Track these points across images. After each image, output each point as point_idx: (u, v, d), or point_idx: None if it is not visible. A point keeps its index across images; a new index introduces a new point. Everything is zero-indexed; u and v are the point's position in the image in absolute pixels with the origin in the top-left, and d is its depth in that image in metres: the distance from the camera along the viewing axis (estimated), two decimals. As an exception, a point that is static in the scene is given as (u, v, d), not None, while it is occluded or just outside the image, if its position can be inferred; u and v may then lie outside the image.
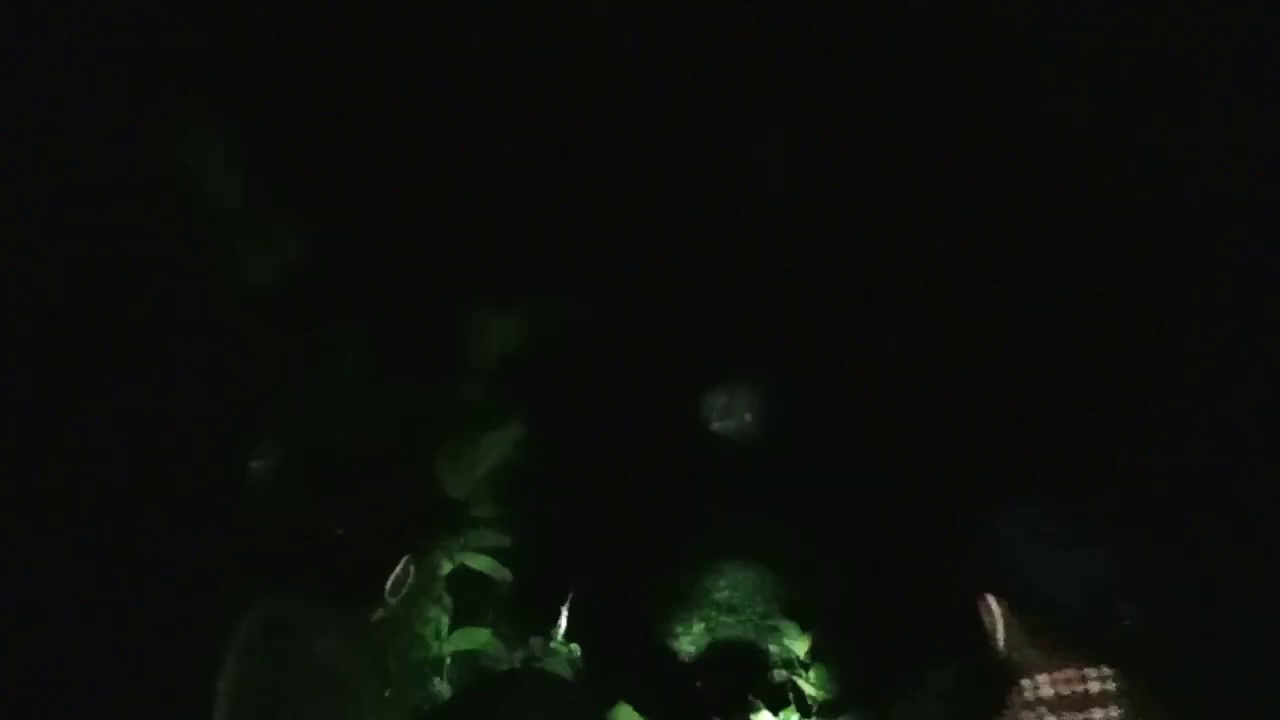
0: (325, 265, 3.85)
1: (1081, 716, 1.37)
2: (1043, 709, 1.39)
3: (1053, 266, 4.26)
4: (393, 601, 2.44)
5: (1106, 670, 1.39)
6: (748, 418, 4.14)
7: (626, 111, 4.15)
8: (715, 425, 4.16)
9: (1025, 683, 1.42)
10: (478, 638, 3.82)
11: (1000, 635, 1.46)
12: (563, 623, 4.00)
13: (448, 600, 3.85)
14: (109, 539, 3.41)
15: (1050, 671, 1.40)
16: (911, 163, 4.22)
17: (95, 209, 3.64)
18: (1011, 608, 1.44)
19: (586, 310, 4.07)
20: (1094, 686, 1.39)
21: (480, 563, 3.82)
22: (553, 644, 3.97)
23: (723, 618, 4.21)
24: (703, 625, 4.22)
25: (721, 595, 4.23)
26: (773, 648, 4.15)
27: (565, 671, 3.86)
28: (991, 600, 1.47)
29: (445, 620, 3.81)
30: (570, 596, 4.02)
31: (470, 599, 3.87)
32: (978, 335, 4.16)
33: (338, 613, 2.47)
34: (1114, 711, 1.37)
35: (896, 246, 4.26)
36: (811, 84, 4.26)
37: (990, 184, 4.22)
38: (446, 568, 3.79)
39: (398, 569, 2.41)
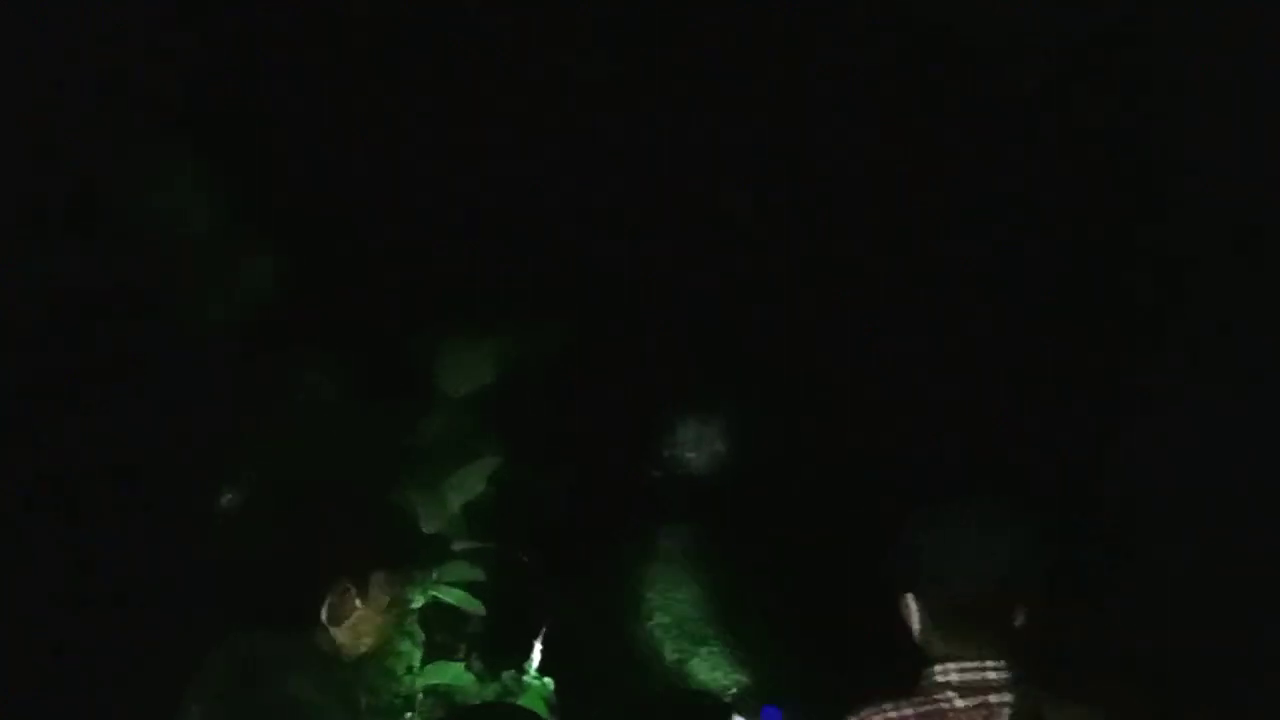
0: (299, 294, 3.85)
1: (980, 699, 1.63)
2: (950, 691, 1.65)
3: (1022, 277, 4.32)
4: (338, 632, 2.40)
5: (1002, 663, 1.66)
6: (718, 448, 4.14)
7: (598, 141, 4.18)
8: (686, 456, 4.16)
9: (936, 668, 1.68)
10: (450, 672, 3.80)
11: (916, 628, 1.74)
12: (536, 657, 3.97)
13: (419, 634, 3.82)
14: (79, 564, 3.37)
15: (957, 660, 1.66)
16: (877, 181, 4.28)
17: (70, 238, 3.62)
18: (922, 597, 1.71)
19: (563, 339, 4.07)
20: (991, 675, 1.65)
21: (453, 596, 3.80)
22: (526, 678, 3.94)
23: (696, 649, 4.20)
24: (676, 657, 4.20)
25: (694, 627, 4.22)
26: (745, 679, 4.14)
27: (539, 707, 3.83)
28: (909, 598, 1.73)
29: (417, 654, 3.78)
30: (544, 631, 4.00)
31: (443, 633, 3.84)
32: (946, 356, 4.21)
33: (307, 649, 2.44)
34: (1006, 696, 1.63)
35: (866, 272, 4.31)
36: (776, 106, 4.31)
37: (954, 193, 4.29)
38: (419, 601, 3.77)
39: (332, 597, 2.37)
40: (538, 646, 3.98)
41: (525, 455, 4.00)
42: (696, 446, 4.27)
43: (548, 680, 3.92)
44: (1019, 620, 1.67)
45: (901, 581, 1.74)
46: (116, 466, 3.58)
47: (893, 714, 1.63)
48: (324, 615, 2.40)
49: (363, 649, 2.64)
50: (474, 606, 3.81)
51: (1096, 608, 3.96)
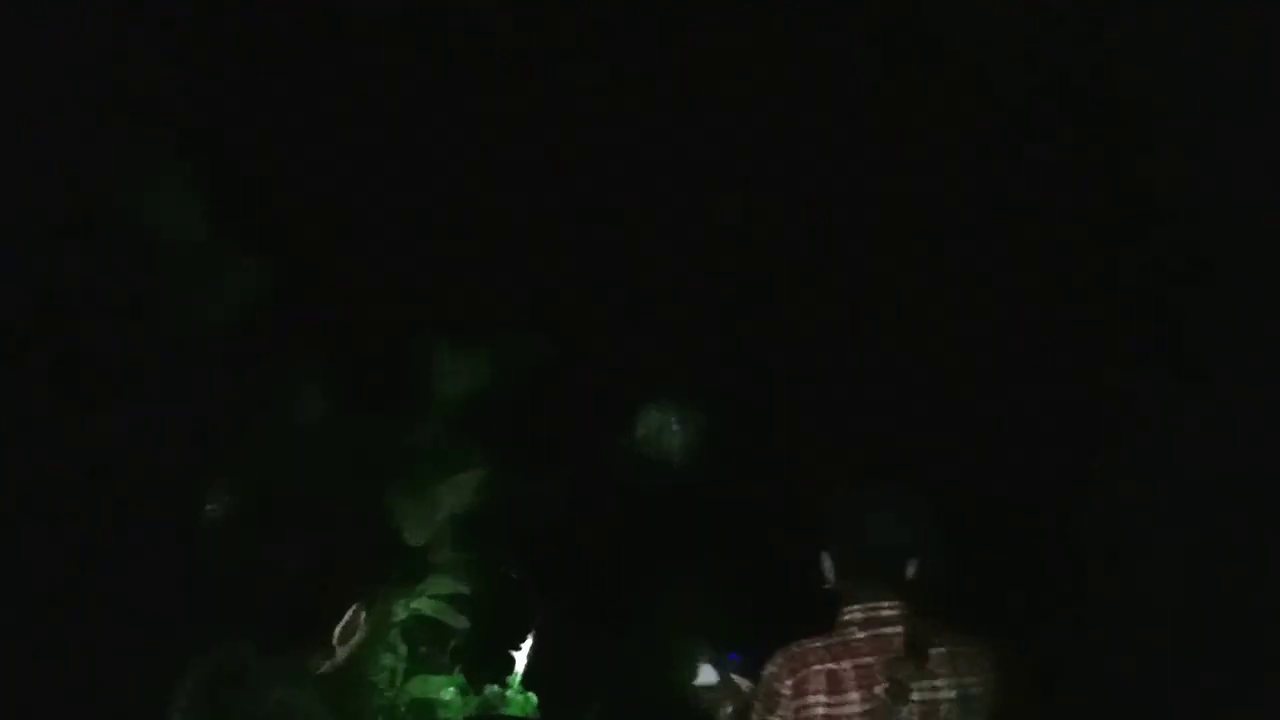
0: (284, 303, 3.84)
1: (876, 631, 2.06)
2: (854, 626, 2.08)
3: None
4: (341, 649, 2.40)
5: (896, 602, 2.08)
6: (678, 438, 4.11)
7: (583, 152, 4.19)
8: (672, 464, 4.15)
9: (844, 608, 2.12)
10: (433, 685, 3.78)
11: (831, 577, 2.17)
12: (519, 670, 3.95)
13: (403, 647, 3.80)
14: (59, 574, 3.34)
15: (860, 602, 2.09)
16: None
17: (55, 244, 3.61)
18: (840, 558, 2.15)
19: (549, 350, 4.07)
20: (885, 613, 2.07)
21: (436, 609, 3.79)
22: (509, 692, 3.92)
23: (679, 660, 4.18)
24: (662, 669, 4.18)
25: (677, 639, 4.19)
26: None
27: (522, 720, 3.82)
28: (825, 555, 2.18)
29: (401, 668, 3.76)
30: (528, 644, 3.98)
31: (426, 645, 3.82)
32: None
33: (292, 660, 2.43)
34: (898, 628, 2.05)
35: (855, 276, 4.33)
36: (758, 117, 4.33)
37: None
38: (402, 614, 3.75)
39: (347, 616, 2.38)
40: (521, 659, 3.96)
41: (511, 466, 3.99)
42: (680, 452, 4.25)
43: (531, 695, 3.91)
44: (911, 573, 2.08)
45: (821, 542, 2.19)
46: (106, 470, 3.56)
47: (808, 645, 2.08)
48: (337, 637, 2.39)
49: (361, 664, 2.63)
50: (457, 619, 3.80)
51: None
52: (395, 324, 4.02)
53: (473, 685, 3.87)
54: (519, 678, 3.95)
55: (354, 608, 2.34)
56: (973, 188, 4.27)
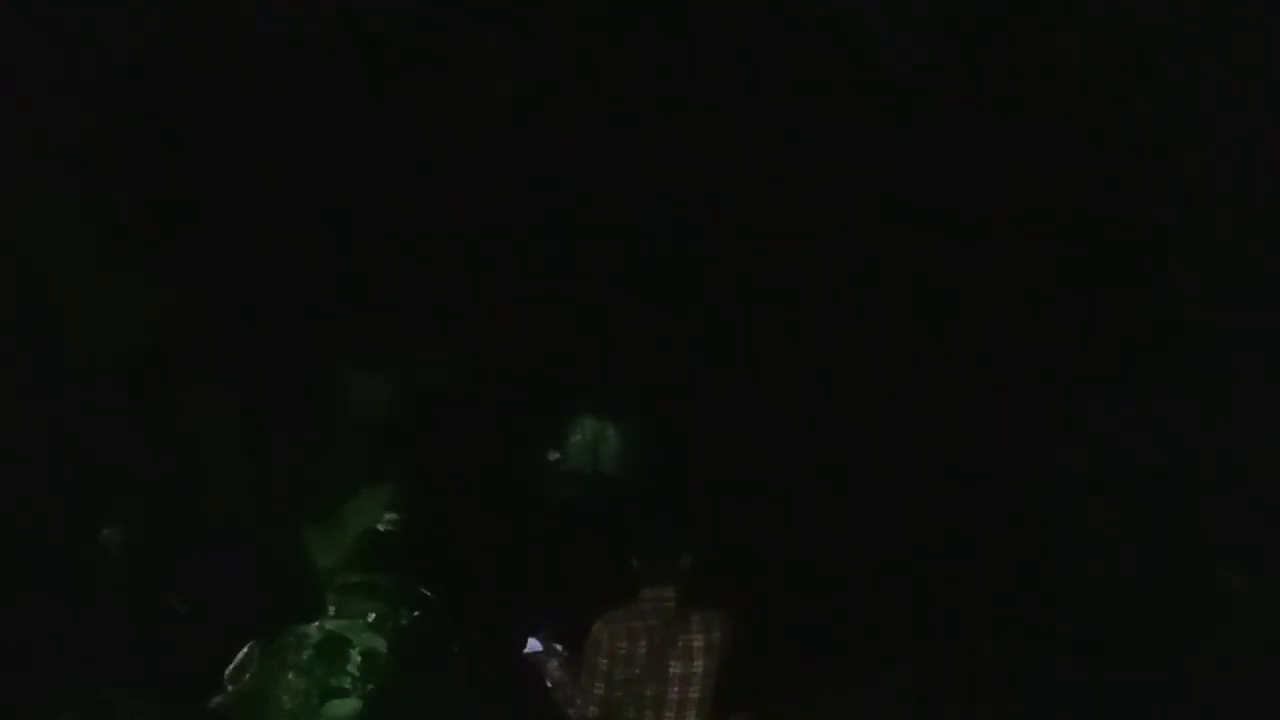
0: (190, 326, 3.79)
1: (660, 604, 3.13)
2: (646, 601, 3.14)
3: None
4: (233, 687, 2.35)
5: (672, 587, 3.14)
6: (605, 455, 4.21)
7: (492, 172, 4.19)
8: (571, 463, 4.21)
9: (641, 590, 3.16)
10: (348, 707, 3.73)
11: (637, 569, 3.17)
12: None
13: (319, 669, 3.75)
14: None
15: (652, 586, 3.15)
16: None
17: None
18: (640, 558, 3.17)
19: (458, 371, 4.05)
20: (667, 593, 3.13)
21: (350, 630, 3.74)
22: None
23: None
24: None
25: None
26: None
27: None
28: (634, 560, 3.18)
29: (313, 691, 3.70)
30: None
31: (339, 667, 3.77)
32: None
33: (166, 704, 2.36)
34: (672, 603, 3.13)
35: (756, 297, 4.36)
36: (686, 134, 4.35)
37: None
38: (315, 636, 3.70)
39: (240, 655, 2.33)
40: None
41: (426, 484, 3.96)
42: (597, 469, 4.25)
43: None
44: (686, 566, 3.14)
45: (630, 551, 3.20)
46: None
47: (617, 612, 3.13)
48: (228, 676, 2.35)
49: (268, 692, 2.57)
50: (373, 640, 3.76)
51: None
52: (306, 347, 3.99)
53: (389, 706, 3.83)
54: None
55: (248, 645, 2.29)
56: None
